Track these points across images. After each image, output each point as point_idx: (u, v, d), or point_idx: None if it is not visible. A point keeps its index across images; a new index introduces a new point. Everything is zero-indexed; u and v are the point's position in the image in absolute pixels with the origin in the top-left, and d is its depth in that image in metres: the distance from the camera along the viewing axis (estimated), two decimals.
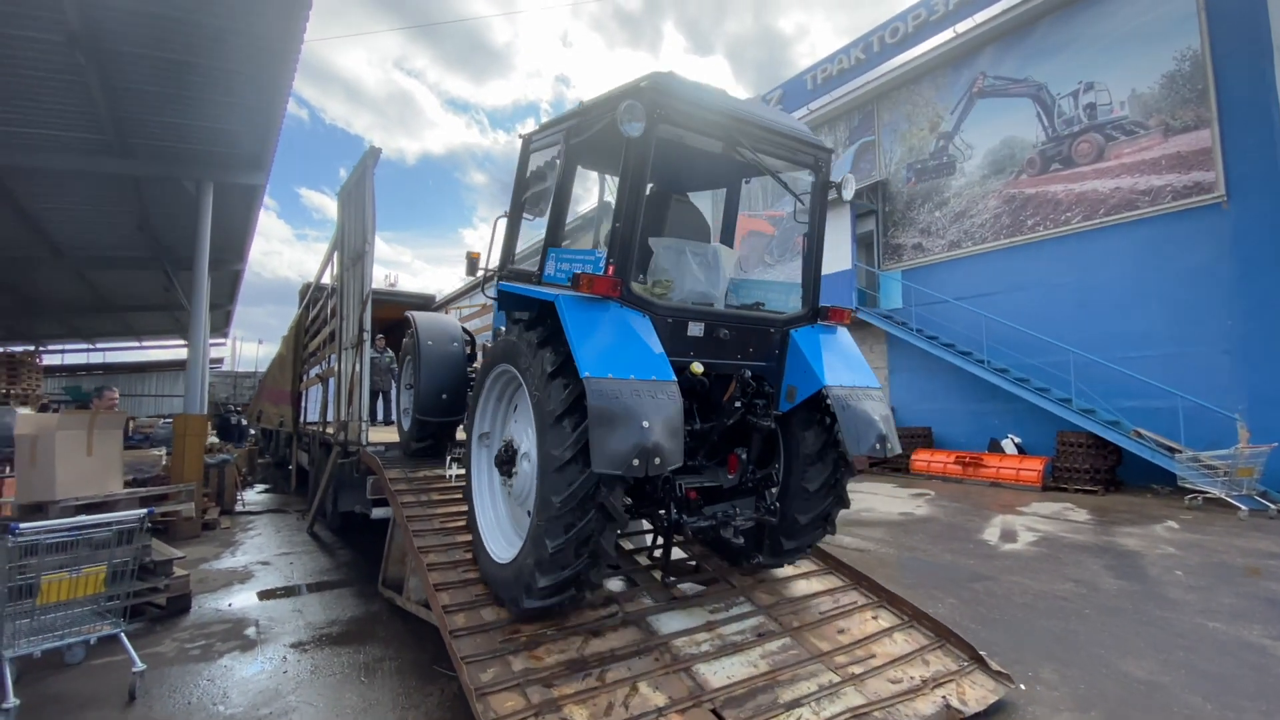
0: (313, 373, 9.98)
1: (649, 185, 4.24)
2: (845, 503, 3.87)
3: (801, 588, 4.24)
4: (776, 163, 3.79)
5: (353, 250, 6.86)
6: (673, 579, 4.07)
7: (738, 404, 3.53)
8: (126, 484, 7.98)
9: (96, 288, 15.87)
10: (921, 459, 13.41)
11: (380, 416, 9.86)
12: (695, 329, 3.47)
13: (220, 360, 32.66)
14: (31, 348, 23.31)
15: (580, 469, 2.83)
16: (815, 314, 3.90)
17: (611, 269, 3.17)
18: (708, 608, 3.80)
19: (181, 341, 17.84)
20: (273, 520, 9.78)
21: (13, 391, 13.80)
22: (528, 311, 3.53)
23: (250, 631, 4.80)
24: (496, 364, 3.68)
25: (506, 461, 3.56)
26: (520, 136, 4.35)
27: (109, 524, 3.69)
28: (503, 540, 3.66)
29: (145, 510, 3.83)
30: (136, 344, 28.88)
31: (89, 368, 30.51)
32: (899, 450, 3.59)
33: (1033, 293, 13.09)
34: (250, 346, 74.13)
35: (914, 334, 14.36)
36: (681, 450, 2.83)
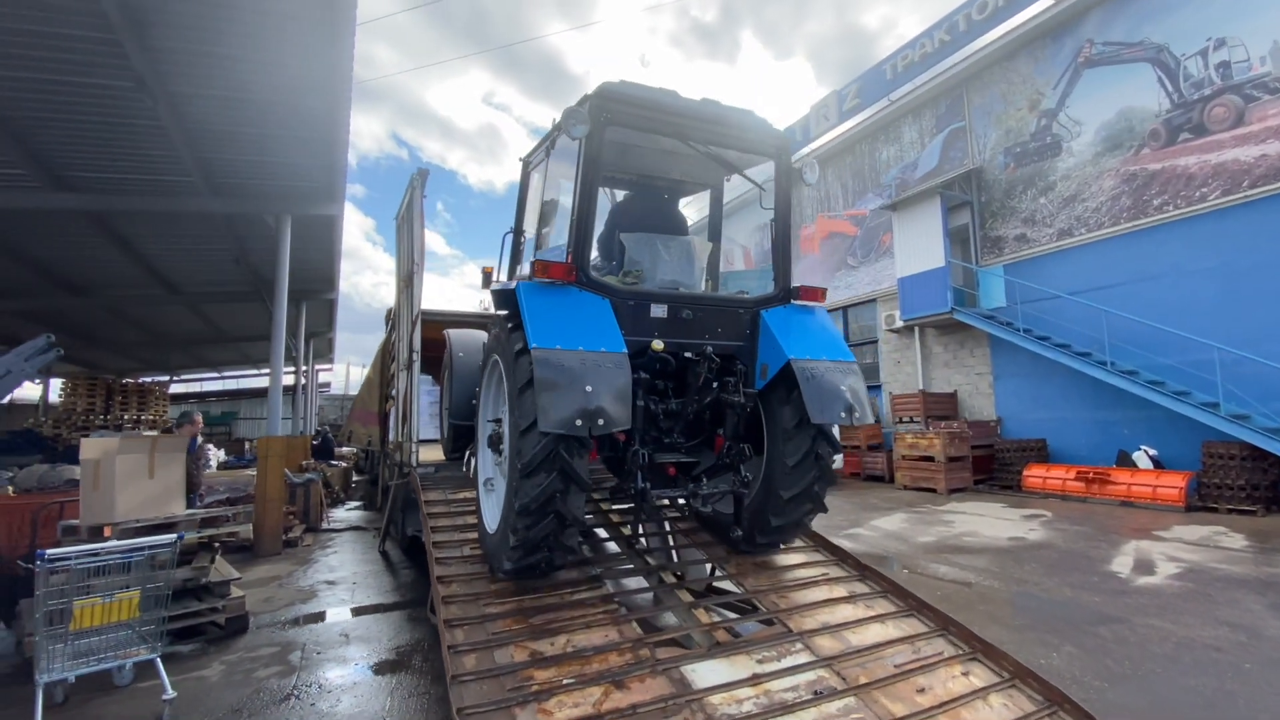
0: (393, 393, 10.25)
1: (633, 188, 4.65)
2: (830, 478, 3.88)
3: (874, 633, 3.60)
4: (736, 155, 4.04)
5: (404, 272, 6.87)
6: (641, 541, 4.34)
7: (714, 384, 3.64)
8: (221, 503, 8.42)
9: (210, 320, 17.34)
10: (1035, 475, 11.95)
11: None
12: (658, 310, 3.64)
13: (328, 385, 35.08)
14: (165, 378, 25.95)
15: (540, 433, 2.98)
16: (787, 295, 4.04)
17: (570, 257, 3.45)
18: (756, 656, 3.26)
19: (291, 369, 19.13)
20: (353, 538, 10.05)
21: (143, 418, 15.25)
22: (508, 306, 3.77)
23: (294, 657, 4.73)
24: (489, 356, 4.06)
25: (496, 439, 3.85)
26: (520, 160, 4.61)
27: (140, 549, 3.69)
28: (496, 512, 3.77)
29: (175, 536, 3.82)
30: (255, 371, 31.56)
31: (218, 394, 33.64)
32: (869, 420, 3.67)
33: (1163, 282, 11.41)
34: (357, 370, 79.51)
35: (1021, 335, 12.90)
36: (629, 413, 3.03)
